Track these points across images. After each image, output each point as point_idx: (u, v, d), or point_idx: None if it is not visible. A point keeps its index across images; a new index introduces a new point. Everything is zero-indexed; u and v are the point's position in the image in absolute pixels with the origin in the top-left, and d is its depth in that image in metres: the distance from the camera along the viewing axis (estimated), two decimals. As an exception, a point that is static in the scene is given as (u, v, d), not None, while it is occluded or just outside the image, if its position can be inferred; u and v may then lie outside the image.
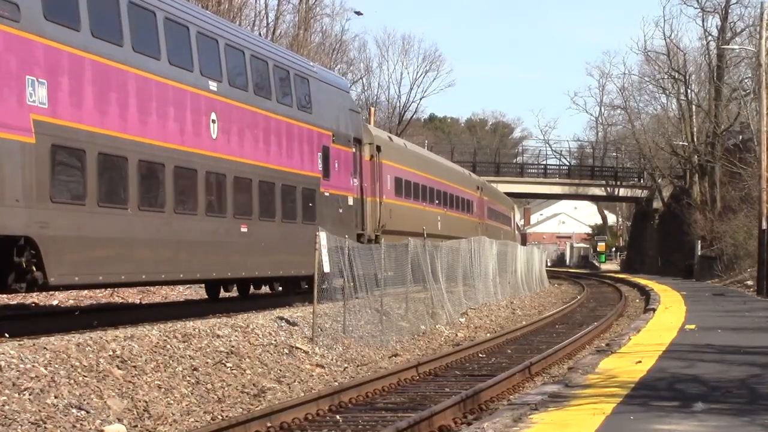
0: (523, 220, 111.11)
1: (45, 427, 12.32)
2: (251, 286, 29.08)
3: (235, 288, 27.37)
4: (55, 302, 27.29)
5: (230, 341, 18.74)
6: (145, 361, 15.79)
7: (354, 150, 29.86)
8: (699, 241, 67.26)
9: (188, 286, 34.36)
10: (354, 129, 30.17)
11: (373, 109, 68.73)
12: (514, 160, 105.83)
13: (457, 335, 28.82)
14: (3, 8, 15.23)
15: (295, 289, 27.74)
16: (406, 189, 39.55)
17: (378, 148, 34.47)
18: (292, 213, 25.13)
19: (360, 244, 28.04)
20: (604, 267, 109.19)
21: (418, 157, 43.93)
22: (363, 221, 30.74)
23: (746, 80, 67.86)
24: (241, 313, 22.78)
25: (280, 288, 28.92)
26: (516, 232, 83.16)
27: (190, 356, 16.97)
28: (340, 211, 28.39)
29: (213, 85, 21.56)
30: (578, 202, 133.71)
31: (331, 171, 27.68)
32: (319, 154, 26.98)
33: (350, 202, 29.27)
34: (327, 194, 27.30)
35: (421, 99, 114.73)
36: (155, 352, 16.35)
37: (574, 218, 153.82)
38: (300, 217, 25.37)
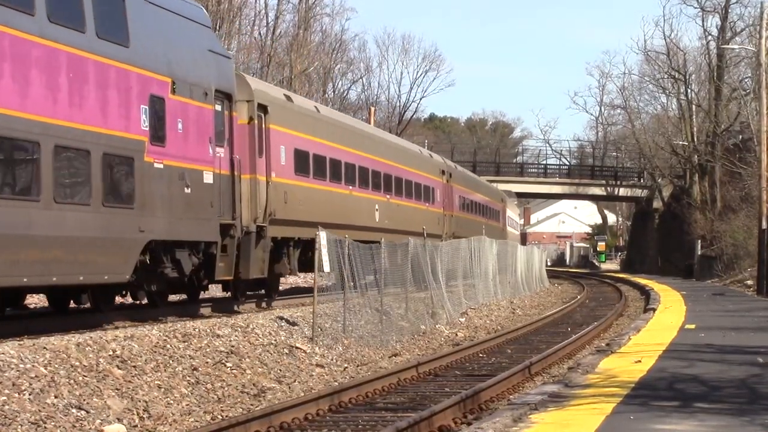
0: (522, 219, 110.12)
1: (45, 427, 12.32)
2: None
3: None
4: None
5: (230, 341, 18.74)
6: (145, 361, 15.79)
7: (217, 107, 21.88)
8: (699, 241, 67.26)
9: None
10: (217, 79, 21.93)
11: (373, 108, 68.69)
12: (514, 160, 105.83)
13: (457, 335, 28.82)
14: None
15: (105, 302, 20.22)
16: (317, 166, 29.21)
17: (264, 109, 25.09)
18: (82, 192, 17.14)
19: (231, 238, 22.10)
20: (604, 267, 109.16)
21: (342, 128, 32.85)
22: (233, 207, 22.30)
23: (746, 80, 67.88)
24: (241, 313, 22.79)
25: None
26: (509, 229, 73.35)
27: (190, 356, 16.97)
28: (187, 191, 20.30)
29: None
30: (578, 201, 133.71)
31: (167, 133, 19.74)
32: (144, 107, 18.94)
33: (207, 179, 21.15)
34: (159, 166, 19.36)
35: (421, 99, 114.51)
36: (155, 352, 16.35)
37: (574, 218, 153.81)
38: (98, 198, 17.37)
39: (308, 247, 26.11)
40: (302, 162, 27.41)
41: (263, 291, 26.53)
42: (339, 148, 30.75)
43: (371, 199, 34.26)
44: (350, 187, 31.90)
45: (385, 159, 37.44)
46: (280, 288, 31.73)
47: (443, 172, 46.01)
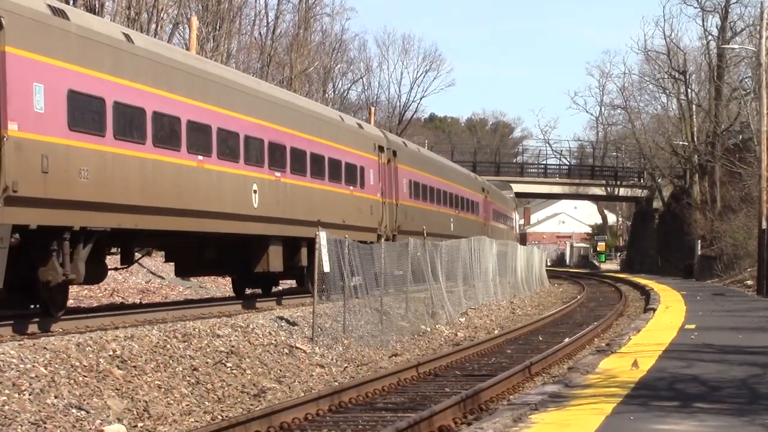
0: (522, 220, 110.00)
1: (45, 427, 12.32)
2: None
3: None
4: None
5: (230, 341, 18.74)
6: (145, 361, 15.79)
7: None
8: (699, 241, 67.25)
9: (188, 285, 34.39)
10: None
11: (373, 108, 68.69)
12: (514, 160, 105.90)
13: (457, 335, 28.82)
14: None
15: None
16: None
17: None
18: None
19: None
20: (604, 267, 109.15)
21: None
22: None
23: (746, 80, 67.90)
24: (241, 313, 22.80)
25: None
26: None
27: (190, 356, 16.97)
28: None
29: None
30: (578, 201, 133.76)
31: None
32: None
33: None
34: None
35: (421, 99, 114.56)
36: (155, 352, 16.36)
37: (574, 218, 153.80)
38: None
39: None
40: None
41: None
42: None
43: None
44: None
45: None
46: (281, 287, 31.87)
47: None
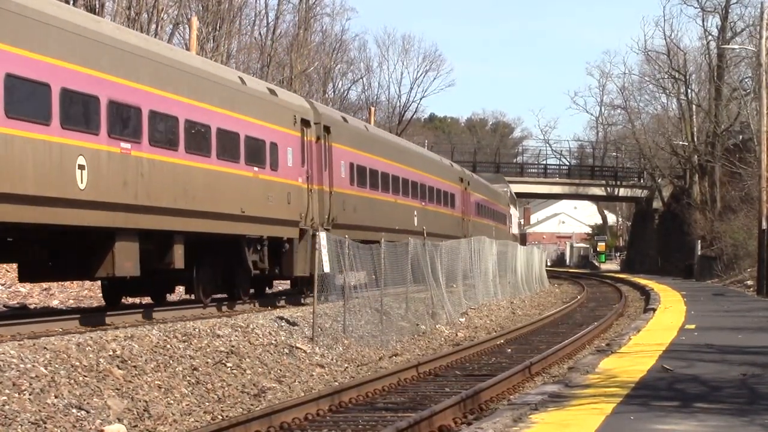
0: (522, 219, 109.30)
1: (45, 427, 12.32)
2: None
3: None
4: (55, 302, 27.30)
5: (230, 341, 18.74)
6: (145, 361, 15.79)
7: None
8: (699, 241, 67.26)
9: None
10: None
11: (373, 108, 68.69)
12: (514, 160, 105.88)
13: (457, 335, 28.82)
14: None
15: None
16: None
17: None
18: None
19: None
20: (604, 267, 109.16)
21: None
22: None
23: (746, 80, 67.92)
24: (241, 313, 22.79)
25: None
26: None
27: (190, 356, 16.97)
28: None
29: None
30: (578, 202, 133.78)
31: None
32: None
33: None
34: None
35: (421, 99, 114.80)
36: (155, 352, 16.35)
37: (574, 218, 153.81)
38: None
39: None
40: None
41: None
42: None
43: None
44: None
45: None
46: (278, 288, 31.82)
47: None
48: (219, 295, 24.31)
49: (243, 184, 23.36)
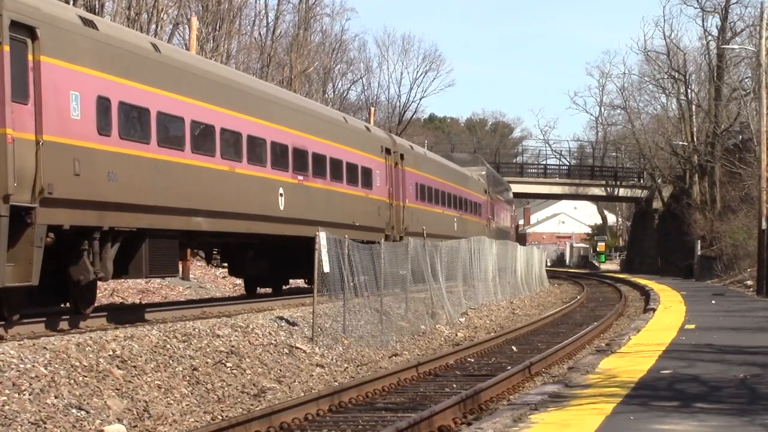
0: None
1: (45, 427, 12.32)
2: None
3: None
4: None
5: (230, 341, 18.74)
6: (145, 361, 15.79)
7: None
8: (699, 241, 67.27)
9: (188, 285, 34.40)
10: None
11: (373, 109, 68.71)
12: (514, 160, 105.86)
13: (457, 335, 28.82)
14: None
15: None
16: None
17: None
18: None
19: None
20: (603, 267, 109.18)
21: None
22: None
23: (746, 80, 67.96)
24: (241, 313, 22.79)
25: None
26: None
27: (190, 356, 16.97)
28: None
29: None
30: (578, 202, 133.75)
31: None
32: None
33: None
34: None
35: (421, 99, 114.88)
36: (155, 352, 16.35)
37: (574, 218, 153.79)
38: None
39: None
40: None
41: None
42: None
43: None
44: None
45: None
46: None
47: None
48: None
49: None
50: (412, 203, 36.69)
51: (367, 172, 31.87)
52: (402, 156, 35.72)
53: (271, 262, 28.98)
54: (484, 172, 56.96)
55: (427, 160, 41.44)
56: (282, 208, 25.34)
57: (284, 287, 32.47)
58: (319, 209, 27.81)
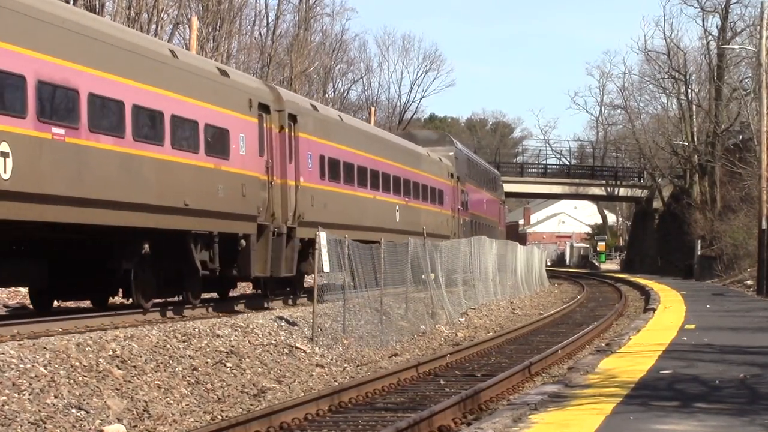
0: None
1: (45, 427, 12.32)
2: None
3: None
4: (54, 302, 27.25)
5: (230, 341, 18.75)
6: (145, 361, 15.79)
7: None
8: (699, 241, 67.26)
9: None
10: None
11: (373, 108, 68.70)
12: (514, 160, 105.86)
13: (457, 335, 28.82)
14: None
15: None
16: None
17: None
18: None
19: None
20: (604, 267, 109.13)
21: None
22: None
23: (746, 80, 67.94)
24: (241, 313, 22.78)
25: None
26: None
27: (190, 356, 16.97)
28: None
29: None
30: (578, 201, 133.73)
31: None
32: None
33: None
34: None
35: (421, 99, 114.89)
36: (155, 352, 16.35)
37: (574, 218, 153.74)
38: None
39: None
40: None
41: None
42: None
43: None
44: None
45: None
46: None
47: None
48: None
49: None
50: (311, 182, 26.71)
51: (220, 134, 22.01)
52: (294, 117, 25.66)
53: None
54: (452, 153, 46.60)
55: (344, 127, 30.91)
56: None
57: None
58: (109, 184, 17.97)
